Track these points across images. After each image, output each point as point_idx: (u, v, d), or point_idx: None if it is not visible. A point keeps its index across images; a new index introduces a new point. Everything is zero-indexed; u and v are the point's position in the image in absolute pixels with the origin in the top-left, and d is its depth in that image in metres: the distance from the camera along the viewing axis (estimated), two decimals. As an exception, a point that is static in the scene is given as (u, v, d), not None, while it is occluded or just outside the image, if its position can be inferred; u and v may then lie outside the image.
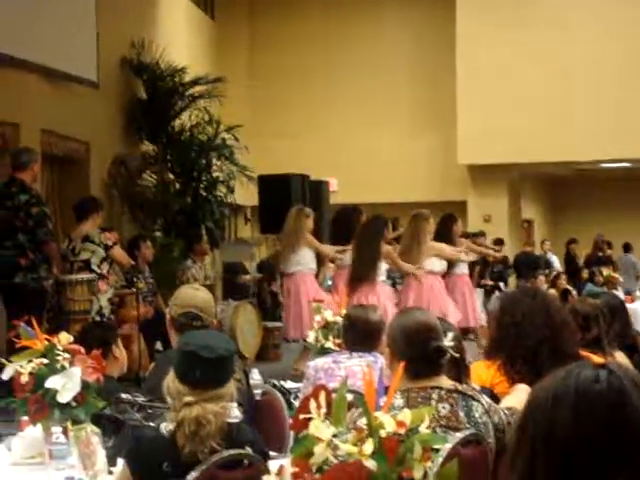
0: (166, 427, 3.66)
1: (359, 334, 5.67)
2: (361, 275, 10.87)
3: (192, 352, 3.68)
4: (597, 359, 4.90)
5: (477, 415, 3.88)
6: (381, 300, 10.63)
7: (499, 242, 18.29)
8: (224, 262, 16.41)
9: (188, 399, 3.62)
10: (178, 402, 3.65)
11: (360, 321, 5.72)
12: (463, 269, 12.74)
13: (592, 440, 1.73)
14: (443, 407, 3.83)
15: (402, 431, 2.91)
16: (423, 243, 11.60)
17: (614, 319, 5.95)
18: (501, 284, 13.93)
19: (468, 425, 3.83)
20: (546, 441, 1.75)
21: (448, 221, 12.57)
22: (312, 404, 2.90)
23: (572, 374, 1.79)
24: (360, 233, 11.16)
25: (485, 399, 4.00)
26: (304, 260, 11.39)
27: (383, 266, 11.19)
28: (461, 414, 3.85)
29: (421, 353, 3.90)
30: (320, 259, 11.94)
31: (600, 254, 18.17)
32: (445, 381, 3.93)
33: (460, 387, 3.94)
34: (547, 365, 4.46)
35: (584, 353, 4.87)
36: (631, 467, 1.72)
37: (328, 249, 11.69)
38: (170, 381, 3.72)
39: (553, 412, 1.76)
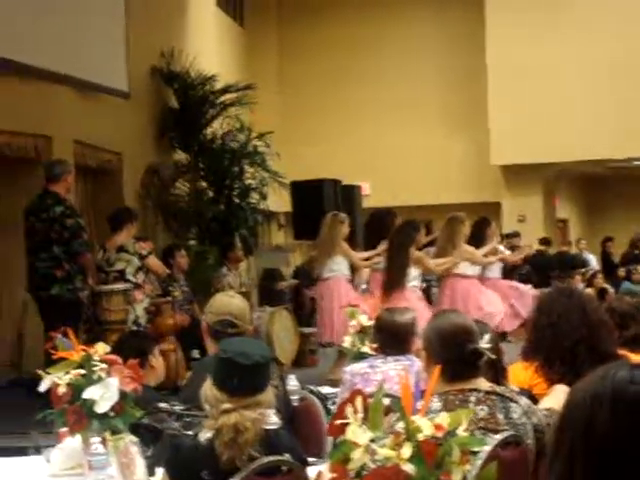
0: (204, 435, 3.66)
1: (388, 337, 5.66)
2: (392, 282, 10.86)
3: (229, 359, 3.68)
4: (635, 357, 4.87)
5: (516, 416, 3.86)
6: (412, 304, 10.60)
7: (546, 242, 18.17)
8: (261, 268, 16.44)
9: (226, 406, 3.62)
10: (216, 410, 3.65)
11: (387, 324, 5.71)
12: (495, 273, 12.70)
13: (629, 440, 1.71)
14: (481, 409, 3.80)
15: (440, 434, 2.89)
16: (458, 246, 11.59)
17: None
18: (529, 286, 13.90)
19: (507, 427, 3.81)
20: (584, 440, 1.75)
21: (482, 225, 12.53)
22: (349, 409, 2.89)
23: (608, 375, 1.78)
24: (391, 239, 11.14)
25: (523, 400, 3.97)
26: (338, 266, 11.39)
27: (413, 272, 11.16)
28: (500, 416, 3.82)
29: (458, 355, 3.88)
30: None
31: (636, 252, 18.03)
32: (483, 383, 3.91)
33: (498, 389, 3.92)
34: (585, 365, 4.43)
35: (622, 352, 4.83)
36: None
37: (359, 262, 11.70)
38: (208, 389, 3.72)
39: (591, 412, 1.75)
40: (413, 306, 10.39)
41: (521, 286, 12.89)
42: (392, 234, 11.22)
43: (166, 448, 4.08)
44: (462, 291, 11.69)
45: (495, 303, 11.85)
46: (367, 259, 11.71)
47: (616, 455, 1.72)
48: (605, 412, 1.74)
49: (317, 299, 12.05)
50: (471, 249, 11.83)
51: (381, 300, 9.37)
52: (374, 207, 14.04)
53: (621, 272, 17.15)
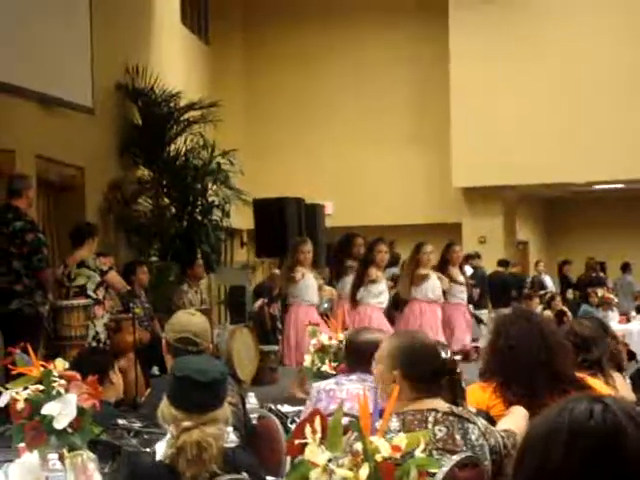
0: (165, 454, 3.65)
1: (355, 355, 5.66)
2: (350, 297, 11.16)
3: (186, 377, 3.69)
4: (593, 381, 4.91)
5: (473, 438, 3.88)
6: (374, 321, 10.77)
7: (504, 263, 18.31)
8: (228, 286, 16.44)
9: (187, 424, 3.62)
10: (176, 428, 3.65)
11: (355, 342, 5.73)
12: (459, 299, 12.81)
13: (582, 476, 1.72)
14: (439, 430, 3.83)
15: (398, 455, 2.91)
16: (417, 274, 11.83)
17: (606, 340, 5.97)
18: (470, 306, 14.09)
19: (465, 448, 3.83)
20: (539, 475, 1.75)
21: (447, 249, 12.80)
22: (307, 429, 2.90)
23: (566, 410, 1.78)
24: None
25: (481, 421, 4.00)
26: (298, 292, 11.50)
27: (379, 289, 11.32)
28: (457, 437, 3.85)
29: (428, 371, 3.95)
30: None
31: (593, 275, 18.18)
32: (441, 403, 3.94)
33: (456, 410, 3.94)
34: (543, 387, 4.47)
35: (580, 375, 4.87)
36: None
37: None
38: (165, 407, 3.72)
39: (546, 448, 1.75)
40: (375, 323, 10.55)
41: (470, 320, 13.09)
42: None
43: (124, 465, 4.07)
44: (423, 315, 11.83)
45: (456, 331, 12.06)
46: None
47: None
48: (561, 444, 1.74)
49: (282, 322, 12.18)
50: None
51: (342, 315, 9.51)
52: (337, 227, 14.10)
53: (570, 294, 17.30)
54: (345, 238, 12.28)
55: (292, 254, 11.57)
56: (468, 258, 17.08)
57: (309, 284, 11.48)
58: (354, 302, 11.32)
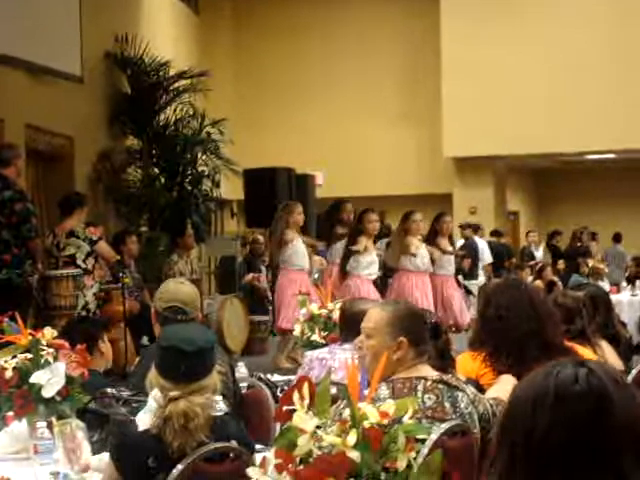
0: (152, 423, 3.65)
1: (349, 325, 5.66)
2: (340, 267, 11.13)
3: (172, 347, 3.69)
4: (582, 350, 4.92)
5: (462, 406, 3.89)
6: (364, 292, 10.76)
7: (497, 233, 18.32)
8: (219, 256, 16.43)
9: (174, 394, 3.62)
10: (163, 397, 3.65)
11: (349, 312, 5.73)
12: (447, 270, 12.68)
13: (569, 441, 1.71)
14: (428, 398, 3.83)
15: (386, 422, 2.91)
16: (405, 242, 11.75)
17: (597, 310, 5.98)
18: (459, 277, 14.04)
19: (454, 416, 3.84)
20: (525, 445, 1.73)
21: (435, 220, 12.65)
22: (295, 395, 2.90)
23: (551, 374, 1.77)
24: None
25: (470, 389, 4.01)
26: (288, 258, 11.42)
27: (367, 260, 11.27)
28: (447, 405, 3.85)
29: (425, 334, 3.97)
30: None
31: (579, 244, 18.18)
32: (430, 371, 3.94)
33: (445, 377, 3.95)
34: (533, 356, 4.47)
35: (569, 344, 4.88)
36: (612, 471, 1.70)
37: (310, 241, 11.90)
38: (153, 377, 3.72)
39: (532, 412, 1.74)
40: (365, 294, 10.54)
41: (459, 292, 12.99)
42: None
43: (113, 434, 4.07)
44: (414, 286, 11.78)
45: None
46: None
47: (557, 454, 1.71)
48: (546, 411, 1.73)
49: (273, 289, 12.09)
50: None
51: (333, 286, 9.49)
52: (327, 197, 14.07)
53: (560, 264, 17.29)
54: (334, 204, 12.21)
55: (283, 216, 11.43)
56: (476, 230, 17.17)
57: (299, 249, 11.38)
58: (343, 274, 11.25)
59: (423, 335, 4.01)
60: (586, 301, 5.80)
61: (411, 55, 20.20)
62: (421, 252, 11.80)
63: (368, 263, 11.28)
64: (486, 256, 17.05)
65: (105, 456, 3.87)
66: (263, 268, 14.92)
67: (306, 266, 11.51)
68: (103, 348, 5.55)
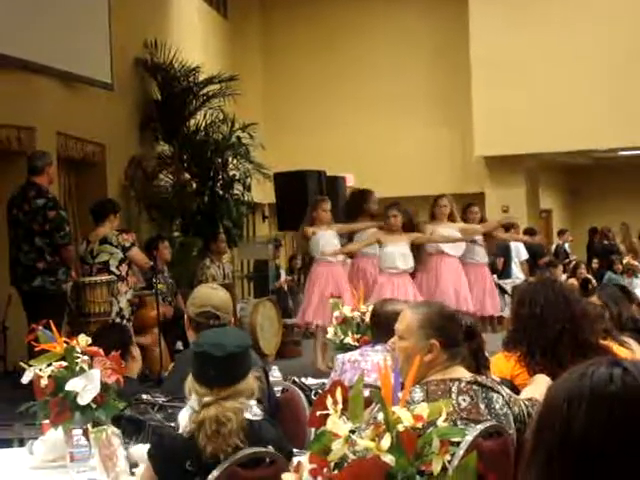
0: (185, 429, 3.66)
1: (380, 326, 5.65)
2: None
3: (203, 352, 3.69)
4: (618, 349, 4.89)
5: (498, 407, 3.87)
6: (400, 290, 10.73)
7: (531, 232, 18.23)
8: (253, 260, 16.50)
9: (206, 399, 3.63)
10: (198, 402, 3.66)
11: (380, 313, 5.72)
12: (481, 258, 12.62)
13: (607, 440, 1.70)
14: (463, 399, 3.81)
15: (420, 425, 2.90)
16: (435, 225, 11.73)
17: (619, 307, 5.95)
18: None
19: (489, 417, 3.82)
20: (562, 441, 1.72)
21: (465, 210, 12.64)
22: (329, 400, 2.89)
23: (587, 373, 1.76)
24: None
25: (505, 390, 3.99)
26: (315, 248, 11.37)
27: (387, 250, 11.20)
28: (482, 406, 3.83)
29: (459, 336, 3.95)
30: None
31: (605, 242, 18.06)
32: (465, 373, 3.92)
33: (480, 379, 3.93)
34: (568, 356, 4.45)
35: (604, 343, 4.85)
36: None
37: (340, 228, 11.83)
38: (189, 382, 3.73)
39: (568, 412, 1.72)
40: (402, 291, 10.52)
41: (492, 281, 12.90)
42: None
43: (149, 438, 4.09)
44: (442, 270, 11.72)
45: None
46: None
47: (594, 456, 1.70)
48: (582, 412, 1.71)
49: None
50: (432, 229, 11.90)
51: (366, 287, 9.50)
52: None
53: (595, 263, 17.18)
54: (358, 194, 12.18)
55: (309, 211, 11.44)
56: (510, 227, 17.05)
57: (326, 240, 11.34)
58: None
59: (456, 337, 3.99)
60: (609, 303, 5.79)
61: (442, 55, 20.14)
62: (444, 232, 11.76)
63: (388, 256, 11.14)
64: (522, 254, 16.92)
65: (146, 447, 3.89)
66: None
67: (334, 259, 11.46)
68: (135, 353, 5.58)
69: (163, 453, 3.71)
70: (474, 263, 12.34)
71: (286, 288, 14.51)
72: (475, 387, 3.86)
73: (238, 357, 3.72)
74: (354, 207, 12.01)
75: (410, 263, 11.21)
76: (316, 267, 11.41)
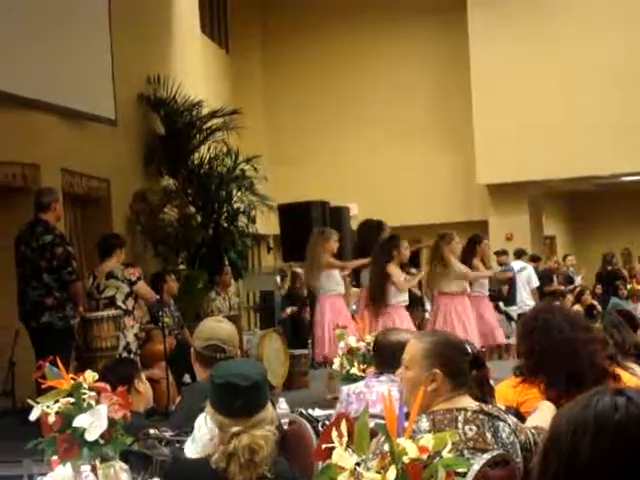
0: (214, 461, 3.65)
1: (384, 357, 5.65)
2: (373, 300, 11.00)
3: (229, 383, 3.68)
4: (624, 374, 4.90)
5: (504, 435, 3.87)
6: (400, 322, 10.70)
7: (535, 259, 18.22)
8: (260, 292, 16.52)
9: (235, 429, 3.62)
10: (224, 434, 3.65)
11: (384, 344, 5.72)
12: (486, 290, 12.68)
13: (612, 469, 1.71)
14: (470, 429, 3.82)
15: (425, 456, 2.91)
16: (448, 264, 11.63)
17: (621, 334, 5.96)
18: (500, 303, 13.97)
19: (495, 446, 3.82)
20: (567, 473, 1.74)
21: (474, 241, 12.61)
22: (334, 432, 2.91)
23: (591, 403, 1.78)
24: (373, 256, 11.25)
25: (511, 419, 3.99)
26: (325, 283, 11.40)
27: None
28: (488, 435, 3.83)
29: (463, 365, 3.95)
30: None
31: (609, 268, 18.06)
32: (470, 402, 3.93)
33: (485, 408, 3.93)
34: (588, 383, 4.43)
35: (612, 369, 4.85)
36: None
37: (348, 263, 11.78)
38: (209, 415, 3.71)
39: (573, 441, 1.74)
40: (401, 323, 10.51)
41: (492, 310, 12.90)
42: (374, 250, 11.30)
43: (157, 474, 4.09)
44: (449, 310, 11.71)
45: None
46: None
47: None
48: (587, 441, 1.73)
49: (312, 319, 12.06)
50: (458, 266, 11.83)
51: (369, 319, 9.45)
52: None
53: (598, 288, 17.19)
54: (370, 225, 12.19)
55: (319, 242, 11.42)
56: (521, 255, 17.05)
57: (334, 273, 11.38)
58: (377, 305, 11.08)
59: (461, 366, 4.00)
60: (612, 330, 5.80)
61: (442, 83, 20.23)
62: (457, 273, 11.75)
63: (398, 291, 11.18)
64: (533, 281, 16.93)
65: None
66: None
67: (342, 291, 11.52)
68: (140, 387, 5.58)
69: (181, 473, 3.73)
70: (479, 296, 12.39)
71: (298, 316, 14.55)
72: (481, 416, 3.87)
73: (262, 385, 3.73)
74: (367, 238, 12.00)
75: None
76: (323, 301, 11.44)
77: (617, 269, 17.88)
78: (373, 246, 11.54)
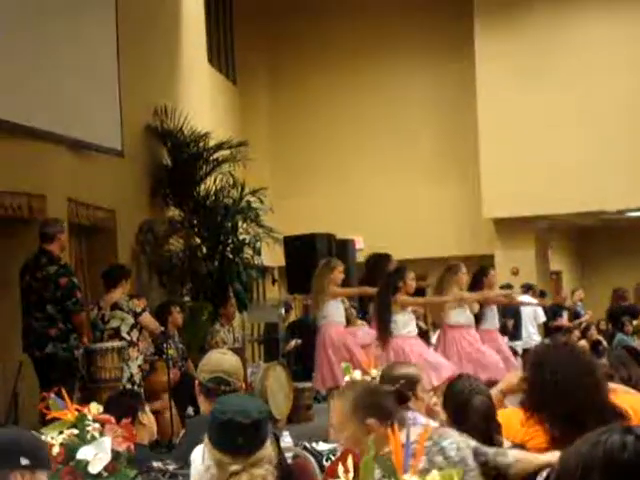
0: None
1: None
2: (378, 331, 10.98)
3: (230, 420, 3.64)
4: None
5: (453, 454, 3.92)
6: (406, 353, 10.66)
7: (541, 294, 18.19)
8: (263, 323, 16.50)
9: (235, 468, 3.59)
10: (222, 472, 3.62)
11: (388, 378, 5.69)
12: (491, 325, 12.62)
13: None
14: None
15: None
16: (450, 293, 11.60)
17: (628, 369, 5.95)
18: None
19: (448, 467, 3.81)
20: None
21: (481, 273, 12.58)
22: (340, 468, 2.89)
23: (600, 441, 1.77)
24: (379, 287, 11.22)
25: (451, 432, 4.03)
26: (330, 313, 11.38)
27: (406, 318, 11.12)
28: (439, 459, 3.88)
29: (388, 407, 3.99)
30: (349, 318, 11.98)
31: (622, 303, 18.00)
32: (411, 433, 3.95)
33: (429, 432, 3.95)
34: (591, 422, 4.41)
35: (622, 405, 4.82)
36: None
37: (350, 290, 11.79)
38: (208, 450, 3.67)
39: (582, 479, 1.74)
40: (407, 355, 10.47)
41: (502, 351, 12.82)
42: (380, 282, 11.27)
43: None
44: (453, 342, 11.67)
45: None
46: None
47: None
48: (596, 478, 1.72)
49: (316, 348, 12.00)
50: (453, 292, 11.78)
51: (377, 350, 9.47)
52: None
53: (602, 324, 17.14)
54: (378, 258, 12.18)
55: (325, 272, 11.42)
56: (529, 289, 17.01)
57: (338, 304, 11.38)
58: (385, 335, 11.02)
59: (389, 408, 4.06)
60: (619, 367, 5.79)
61: (448, 117, 20.28)
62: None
63: (406, 321, 11.14)
64: (540, 316, 16.89)
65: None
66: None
67: (345, 322, 11.51)
68: (144, 420, 5.57)
69: None
70: (488, 330, 12.34)
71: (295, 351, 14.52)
72: (427, 444, 3.86)
73: (262, 423, 3.69)
74: (375, 270, 11.99)
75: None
76: (327, 329, 11.40)
77: (632, 305, 17.79)
78: (380, 279, 11.55)
